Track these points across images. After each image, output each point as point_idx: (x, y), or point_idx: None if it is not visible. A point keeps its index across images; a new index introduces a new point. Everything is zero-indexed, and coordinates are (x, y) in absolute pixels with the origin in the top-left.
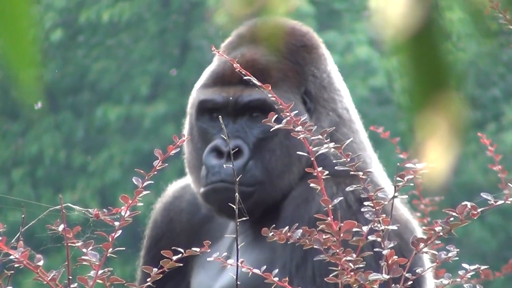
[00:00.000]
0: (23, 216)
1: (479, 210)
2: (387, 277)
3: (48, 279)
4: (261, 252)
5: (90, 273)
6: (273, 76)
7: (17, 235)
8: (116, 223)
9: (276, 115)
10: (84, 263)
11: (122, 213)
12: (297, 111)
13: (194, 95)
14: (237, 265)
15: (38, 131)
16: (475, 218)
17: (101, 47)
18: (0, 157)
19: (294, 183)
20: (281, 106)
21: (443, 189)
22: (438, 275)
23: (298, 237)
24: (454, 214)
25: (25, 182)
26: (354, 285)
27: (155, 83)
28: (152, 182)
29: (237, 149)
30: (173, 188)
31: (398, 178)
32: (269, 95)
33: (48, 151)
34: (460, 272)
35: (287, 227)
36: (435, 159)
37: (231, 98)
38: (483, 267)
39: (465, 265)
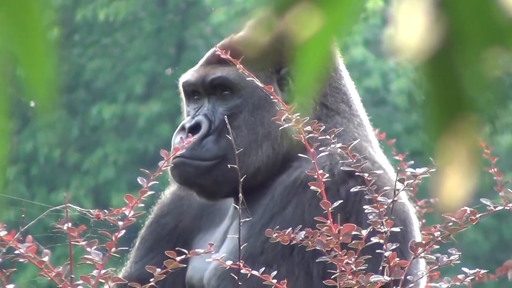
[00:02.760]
0: (23, 216)
1: (478, 215)
2: (388, 279)
3: (53, 275)
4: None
5: (93, 272)
6: (246, 58)
7: (17, 234)
8: (120, 223)
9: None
10: (88, 262)
11: (126, 213)
12: (265, 91)
13: (180, 80)
14: (239, 246)
15: (33, 129)
16: (474, 223)
17: (97, 46)
18: None
19: (267, 159)
20: (243, 85)
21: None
22: (433, 278)
23: (301, 238)
24: (453, 219)
25: (20, 180)
26: (355, 287)
27: (150, 82)
28: (157, 182)
29: (197, 125)
30: None
31: (398, 183)
32: (235, 73)
33: (42, 149)
34: (460, 277)
35: (290, 228)
36: (454, 185)
37: (200, 78)
38: (482, 271)
39: (465, 269)
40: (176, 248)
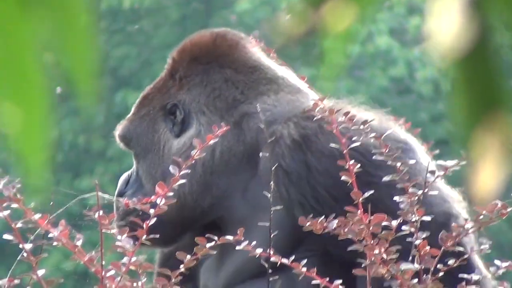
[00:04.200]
0: (51, 203)
1: (508, 209)
2: (418, 267)
3: (85, 259)
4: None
5: (123, 260)
6: (143, 104)
7: (47, 219)
8: (151, 211)
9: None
10: (118, 249)
11: (157, 201)
12: (151, 133)
13: None
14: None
15: (58, 116)
16: (504, 217)
17: (122, 33)
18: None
19: (190, 185)
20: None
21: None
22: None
23: (333, 227)
24: (484, 212)
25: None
26: (386, 275)
27: None
28: (188, 171)
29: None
30: None
31: (429, 175)
32: (127, 126)
33: (67, 136)
34: (492, 269)
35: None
36: (487, 177)
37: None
38: None
39: (497, 262)
40: (206, 235)
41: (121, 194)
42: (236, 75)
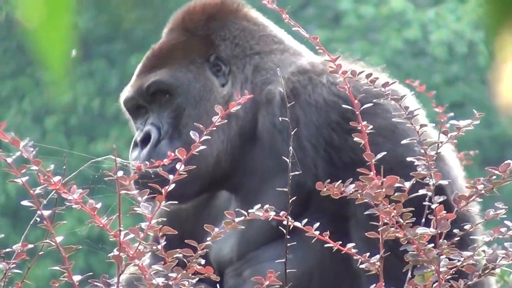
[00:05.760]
0: (64, 167)
1: None
2: (434, 231)
3: (104, 222)
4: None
5: (141, 224)
6: (175, 56)
7: (63, 180)
8: (171, 176)
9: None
10: (138, 212)
11: (177, 167)
12: (201, 82)
13: (120, 100)
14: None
15: (72, 80)
16: None
17: None
18: (34, 105)
19: (222, 144)
20: (178, 83)
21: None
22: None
23: (351, 191)
24: (496, 172)
25: (59, 130)
26: (402, 239)
27: None
28: (209, 137)
29: (147, 135)
30: None
31: (442, 135)
32: (167, 73)
33: (81, 99)
34: (502, 230)
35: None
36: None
37: (137, 90)
38: None
39: (507, 222)
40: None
41: (156, 143)
42: (252, 26)
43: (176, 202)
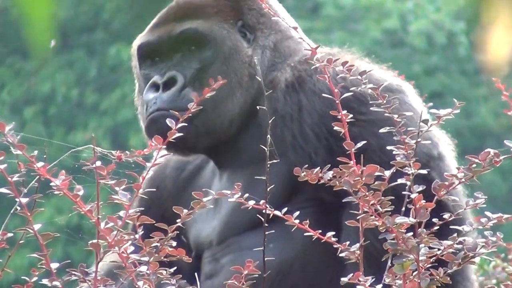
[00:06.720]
0: (44, 157)
1: (501, 157)
2: (414, 220)
3: (86, 209)
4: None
5: (120, 213)
6: (207, 12)
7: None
8: (148, 164)
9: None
10: (116, 201)
11: (154, 154)
12: (232, 41)
13: (134, 46)
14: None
15: (51, 69)
16: (497, 165)
17: None
18: (13, 95)
19: (239, 107)
20: (213, 36)
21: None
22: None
23: (329, 178)
24: (476, 160)
25: (37, 120)
26: (381, 228)
27: None
28: (186, 124)
29: (171, 79)
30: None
31: (422, 124)
32: (204, 25)
33: (60, 89)
34: (483, 220)
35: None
36: (499, 42)
37: (164, 35)
38: (505, 216)
39: (488, 213)
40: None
41: (182, 88)
42: (274, 5)
43: (185, 151)
